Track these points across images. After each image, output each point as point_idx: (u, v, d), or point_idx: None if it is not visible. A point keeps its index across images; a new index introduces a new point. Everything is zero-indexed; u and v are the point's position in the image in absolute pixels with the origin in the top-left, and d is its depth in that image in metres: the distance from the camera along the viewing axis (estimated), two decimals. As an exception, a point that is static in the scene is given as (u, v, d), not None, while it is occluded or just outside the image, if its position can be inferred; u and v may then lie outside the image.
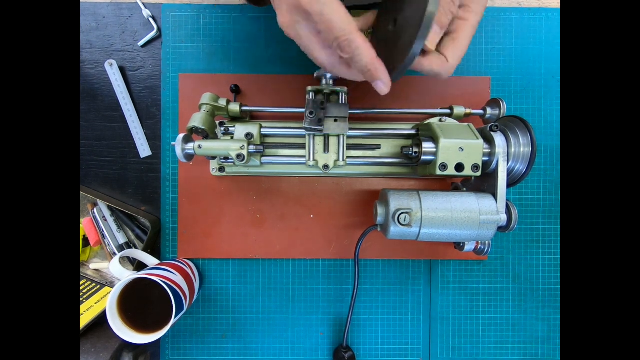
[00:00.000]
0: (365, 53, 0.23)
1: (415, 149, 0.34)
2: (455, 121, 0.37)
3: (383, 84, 0.24)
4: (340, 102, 0.37)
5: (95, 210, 0.41)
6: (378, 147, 0.40)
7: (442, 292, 0.43)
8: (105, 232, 0.41)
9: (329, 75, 0.35)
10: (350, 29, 0.22)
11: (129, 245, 0.42)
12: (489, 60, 0.42)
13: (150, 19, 0.41)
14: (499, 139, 0.33)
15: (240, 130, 0.37)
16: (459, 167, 0.32)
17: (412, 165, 0.38)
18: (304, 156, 0.38)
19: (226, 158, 0.39)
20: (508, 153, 0.33)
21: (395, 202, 0.33)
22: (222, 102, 0.36)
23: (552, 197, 0.43)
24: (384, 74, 0.24)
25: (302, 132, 0.38)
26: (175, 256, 0.42)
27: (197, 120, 0.34)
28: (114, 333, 0.33)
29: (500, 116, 0.36)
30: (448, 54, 0.26)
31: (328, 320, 0.42)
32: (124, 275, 0.35)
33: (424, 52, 0.27)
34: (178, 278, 0.36)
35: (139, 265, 0.41)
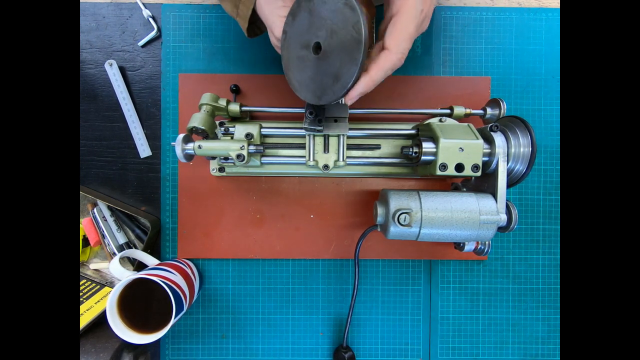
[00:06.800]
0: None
1: (415, 149, 0.34)
2: (455, 121, 0.37)
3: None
4: (340, 102, 0.37)
5: (95, 210, 0.41)
6: (378, 147, 0.40)
7: (442, 292, 0.43)
8: (105, 232, 0.41)
9: None
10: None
11: (129, 245, 0.42)
12: (489, 60, 0.42)
13: (150, 19, 0.41)
14: (499, 139, 0.33)
15: (240, 130, 0.37)
16: (459, 167, 0.32)
17: (412, 165, 0.38)
18: (304, 156, 0.38)
19: (226, 158, 0.39)
20: (508, 153, 0.33)
21: (395, 202, 0.33)
22: (222, 102, 0.36)
23: (552, 197, 0.43)
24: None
25: (302, 132, 0.38)
26: (175, 256, 0.42)
27: (197, 120, 0.34)
28: (114, 333, 0.33)
29: (500, 116, 0.36)
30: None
31: (328, 320, 0.42)
32: (124, 276, 0.35)
33: None
34: (178, 278, 0.36)
35: (139, 266, 0.41)
